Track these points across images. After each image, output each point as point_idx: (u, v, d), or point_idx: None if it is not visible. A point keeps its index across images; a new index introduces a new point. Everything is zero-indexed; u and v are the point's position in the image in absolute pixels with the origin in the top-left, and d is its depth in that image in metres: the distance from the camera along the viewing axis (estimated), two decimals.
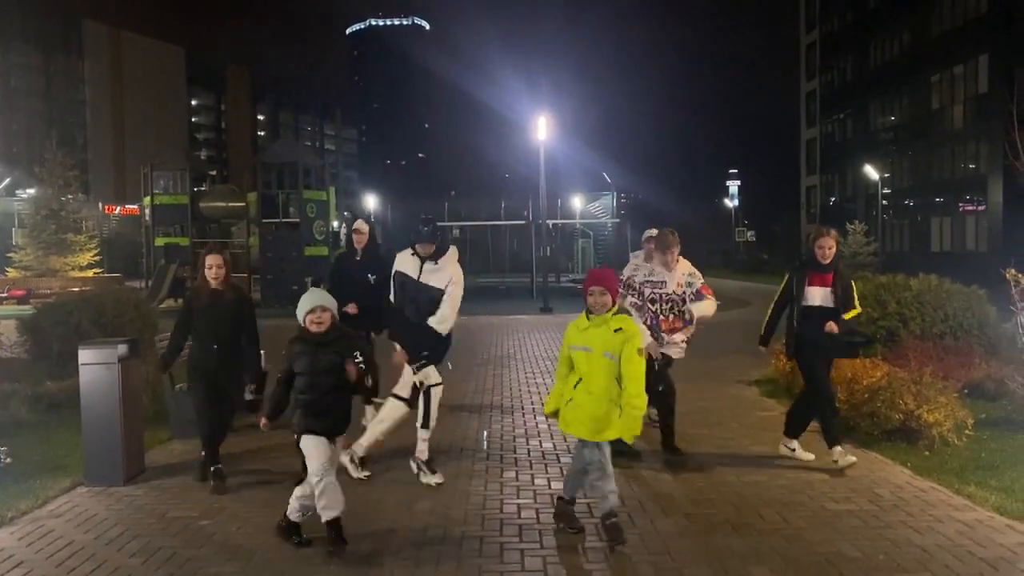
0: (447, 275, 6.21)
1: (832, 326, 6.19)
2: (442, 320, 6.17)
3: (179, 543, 4.95)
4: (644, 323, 6.64)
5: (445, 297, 6.15)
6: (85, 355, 6.20)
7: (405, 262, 6.29)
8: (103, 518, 5.45)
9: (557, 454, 7.01)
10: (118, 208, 77.02)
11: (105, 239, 46.00)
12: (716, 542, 4.82)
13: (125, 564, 4.63)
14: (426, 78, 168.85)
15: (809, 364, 6.45)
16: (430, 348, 6.22)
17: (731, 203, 73.48)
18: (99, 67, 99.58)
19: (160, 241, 27.27)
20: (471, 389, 10.41)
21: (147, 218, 28.43)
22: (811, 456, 6.58)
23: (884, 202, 44.29)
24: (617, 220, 33.83)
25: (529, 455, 6.98)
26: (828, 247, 6.27)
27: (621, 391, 4.65)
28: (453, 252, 6.35)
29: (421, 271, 6.20)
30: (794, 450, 6.65)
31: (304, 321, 4.85)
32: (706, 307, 6.82)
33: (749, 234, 64.68)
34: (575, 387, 4.77)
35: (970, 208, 38.56)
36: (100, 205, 64.87)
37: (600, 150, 75.01)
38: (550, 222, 30.23)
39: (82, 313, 11.28)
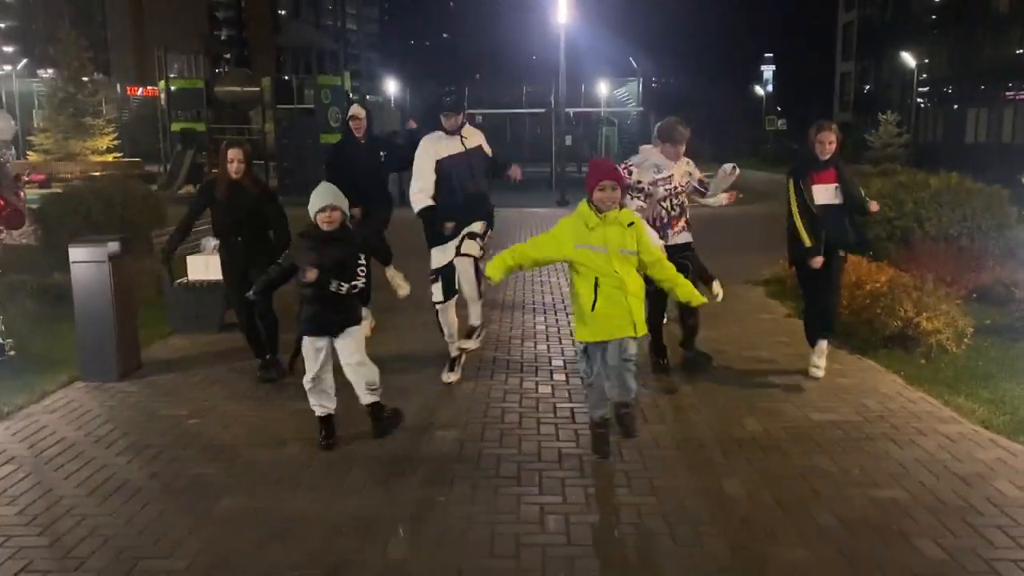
0: (479, 134, 6.31)
1: (817, 261, 6.02)
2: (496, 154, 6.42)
3: (166, 442, 5.06)
4: (653, 225, 6.40)
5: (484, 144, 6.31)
6: (76, 253, 6.21)
7: (441, 146, 6.11)
8: (95, 415, 5.57)
9: (550, 356, 7.02)
10: (140, 89, 76.26)
11: (125, 122, 45.80)
12: (692, 452, 4.84)
13: (111, 462, 4.74)
14: None
15: (808, 271, 6.25)
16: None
17: (762, 90, 71.30)
18: None
19: (176, 126, 27.07)
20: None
21: (163, 102, 28.14)
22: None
23: (921, 90, 42.78)
24: (641, 108, 32.87)
25: (522, 357, 7.00)
26: (829, 142, 5.99)
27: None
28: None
29: (463, 141, 6.14)
30: (816, 367, 6.34)
31: (315, 217, 4.83)
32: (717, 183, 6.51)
33: (780, 123, 62.93)
34: (596, 291, 4.48)
35: (1010, 97, 37.16)
36: (120, 86, 64.19)
37: (626, 33, 72.38)
38: (571, 110, 29.53)
39: (91, 204, 11.33)
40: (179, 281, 7.91)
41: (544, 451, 4.87)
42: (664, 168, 6.40)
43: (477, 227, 6.13)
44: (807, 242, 6.07)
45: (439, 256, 6.19)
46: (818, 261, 6.02)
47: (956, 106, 42.30)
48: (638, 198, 6.30)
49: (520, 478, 4.49)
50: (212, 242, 8.39)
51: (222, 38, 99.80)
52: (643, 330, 4.63)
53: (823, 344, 6.38)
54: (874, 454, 4.77)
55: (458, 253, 6.05)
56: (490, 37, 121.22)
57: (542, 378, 6.38)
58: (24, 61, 45.24)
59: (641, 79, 37.64)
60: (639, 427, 4.80)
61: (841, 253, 6.24)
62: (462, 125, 6.17)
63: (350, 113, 8.20)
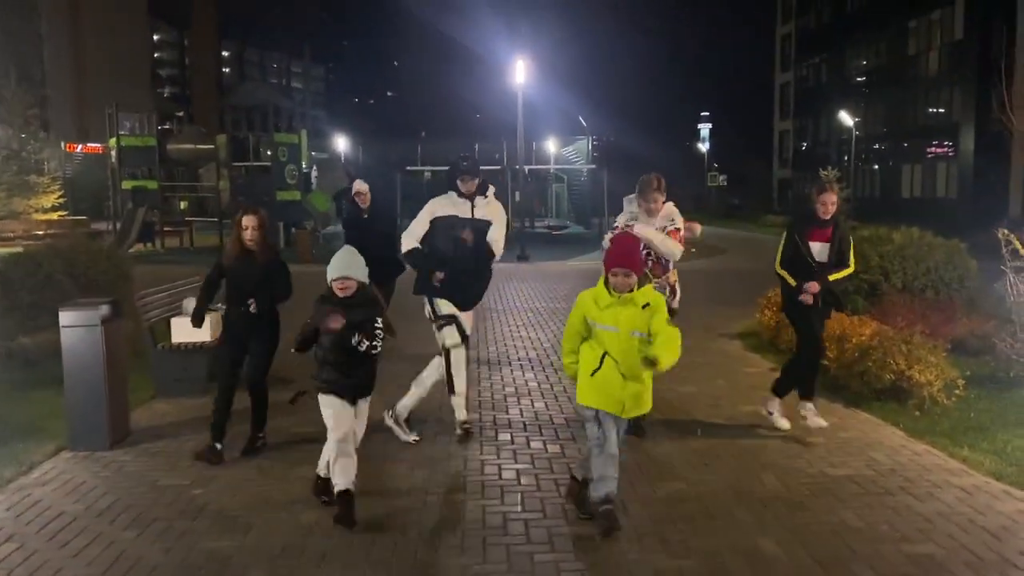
0: (496, 209, 6.16)
1: (813, 286, 6.10)
2: (498, 241, 6.16)
3: (173, 514, 4.84)
4: None
5: (495, 225, 6.12)
6: (67, 317, 5.99)
7: (447, 206, 6.06)
8: (92, 486, 5.32)
9: (550, 415, 6.97)
10: (80, 146, 74.87)
11: (68, 179, 44.83)
12: (718, 510, 4.81)
13: (120, 538, 4.51)
14: (396, 14, 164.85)
15: (804, 318, 6.36)
16: (483, 290, 6.27)
17: (703, 147, 73.22)
18: None
19: (128, 184, 26.59)
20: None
21: (113, 160, 27.66)
22: (787, 424, 6.35)
23: (857, 147, 44.39)
24: (593, 166, 33.44)
25: (522, 416, 6.93)
26: (831, 203, 6.16)
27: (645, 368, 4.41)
28: (491, 187, 6.25)
29: (473, 208, 6.03)
30: (771, 413, 6.44)
31: (330, 283, 4.75)
32: (661, 240, 6.28)
33: (721, 179, 64.60)
34: (602, 361, 4.46)
35: (941, 153, 38.81)
36: (62, 144, 62.96)
37: (575, 93, 74.03)
38: (526, 167, 29.91)
39: (53, 264, 10.97)
40: (162, 345, 7.68)
41: (571, 512, 4.78)
42: (637, 220, 6.41)
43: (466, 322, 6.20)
44: (791, 281, 6.23)
45: (446, 306, 6.14)
46: (813, 286, 6.08)
47: (891, 162, 43.97)
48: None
49: (553, 544, 4.40)
50: (192, 304, 8.20)
51: (165, 95, 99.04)
52: (634, 414, 4.56)
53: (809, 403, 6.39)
54: (896, 508, 4.80)
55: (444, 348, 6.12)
56: (436, 95, 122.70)
57: (549, 437, 6.31)
58: None
59: (591, 137, 38.40)
60: (620, 522, 4.53)
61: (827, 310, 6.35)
62: (478, 192, 6.04)
63: (354, 189, 8.28)
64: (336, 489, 4.66)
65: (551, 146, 42.65)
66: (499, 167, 29.10)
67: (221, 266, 6.00)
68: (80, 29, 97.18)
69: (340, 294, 4.74)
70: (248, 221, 5.78)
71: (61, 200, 30.73)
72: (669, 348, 4.32)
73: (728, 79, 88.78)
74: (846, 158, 44.14)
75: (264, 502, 5.02)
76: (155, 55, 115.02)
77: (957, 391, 6.86)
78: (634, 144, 66.07)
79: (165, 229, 27.92)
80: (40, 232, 30.09)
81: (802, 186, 50.79)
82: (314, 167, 35.44)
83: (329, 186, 34.27)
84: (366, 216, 7.97)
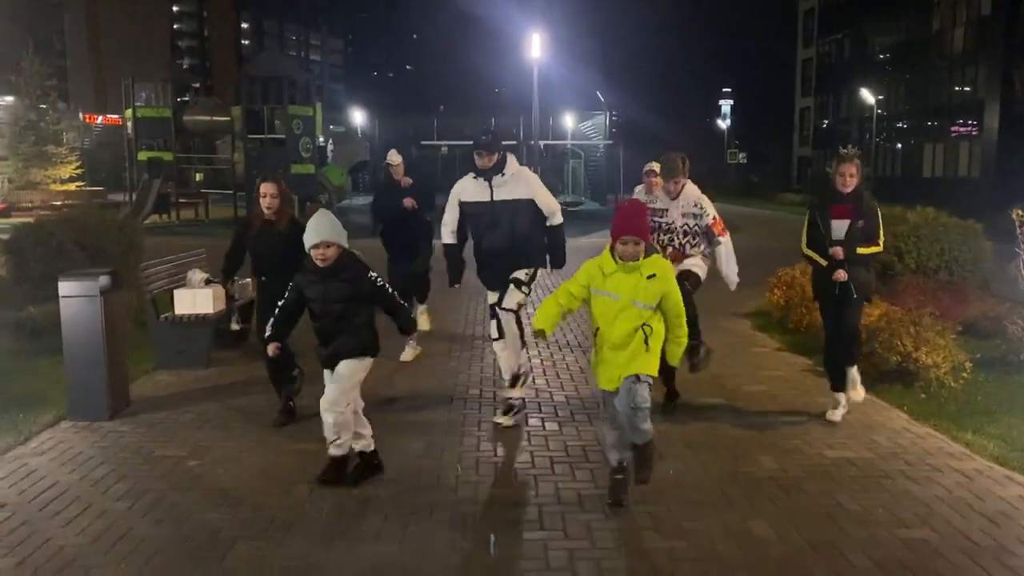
0: (525, 182, 5.85)
1: (837, 251, 5.73)
2: (550, 206, 5.94)
3: (166, 485, 4.85)
4: None
5: (546, 200, 5.91)
6: (66, 287, 5.99)
7: (469, 189, 5.90)
8: (88, 456, 5.34)
9: (550, 391, 6.92)
10: (100, 117, 75.18)
11: (86, 150, 45.06)
12: (714, 492, 4.76)
13: (111, 508, 4.53)
14: None
15: (823, 308, 6.23)
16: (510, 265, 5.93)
17: (723, 124, 72.46)
18: None
19: (143, 155, 26.65)
20: (460, 321, 10.28)
21: (129, 131, 27.73)
22: (860, 396, 6.23)
23: (879, 125, 43.77)
24: (610, 141, 33.16)
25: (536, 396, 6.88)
26: (849, 174, 5.86)
27: (647, 334, 4.33)
28: (514, 159, 5.95)
29: (492, 190, 5.81)
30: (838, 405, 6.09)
31: (310, 252, 4.65)
32: (728, 258, 6.37)
33: (741, 156, 63.98)
34: (596, 339, 4.44)
35: (965, 132, 38.16)
36: (80, 115, 63.24)
37: (593, 68, 73.34)
38: (542, 143, 29.71)
39: (63, 234, 11.00)
40: (164, 316, 7.68)
41: (562, 492, 4.75)
42: (658, 201, 6.38)
43: (520, 274, 5.91)
44: (821, 261, 5.93)
45: (491, 294, 6.10)
46: (841, 275, 5.80)
47: (912, 141, 43.32)
48: None
49: (543, 522, 4.36)
50: (198, 275, 8.21)
51: (184, 67, 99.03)
52: (634, 370, 4.33)
53: (852, 371, 6.14)
54: (894, 492, 4.73)
55: (500, 306, 5.93)
56: (455, 69, 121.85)
57: (548, 415, 6.27)
58: None
59: (608, 112, 38.08)
60: (650, 471, 4.51)
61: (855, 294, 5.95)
62: (496, 167, 5.77)
63: (387, 160, 8.26)
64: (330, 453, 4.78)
65: (569, 121, 42.41)
66: (515, 142, 28.89)
67: (241, 236, 5.95)
68: (97, 1, 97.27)
69: (321, 264, 4.63)
70: (266, 188, 5.73)
71: (78, 171, 30.84)
72: (679, 340, 4.44)
73: (750, 55, 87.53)
74: (867, 136, 43.56)
75: (259, 475, 5.02)
76: (174, 26, 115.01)
77: (964, 374, 6.75)
78: (653, 120, 65.57)
79: (180, 201, 28.02)
80: (57, 203, 30.30)
81: (822, 164, 50.21)
82: (330, 140, 35.41)
83: (344, 159, 34.28)
84: (402, 186, 8.06)
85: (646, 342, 4.33)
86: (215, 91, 59.52)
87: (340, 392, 4.68)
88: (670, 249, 6.30)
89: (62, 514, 4.45)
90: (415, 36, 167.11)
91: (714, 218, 6.32)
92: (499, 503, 4.63)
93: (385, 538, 4.18)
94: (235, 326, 8.65)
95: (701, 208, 6.27)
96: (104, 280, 6.08)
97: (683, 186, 6.29)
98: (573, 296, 4.47)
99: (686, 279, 6.06)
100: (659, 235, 6.32)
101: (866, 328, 7.37)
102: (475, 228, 5.97)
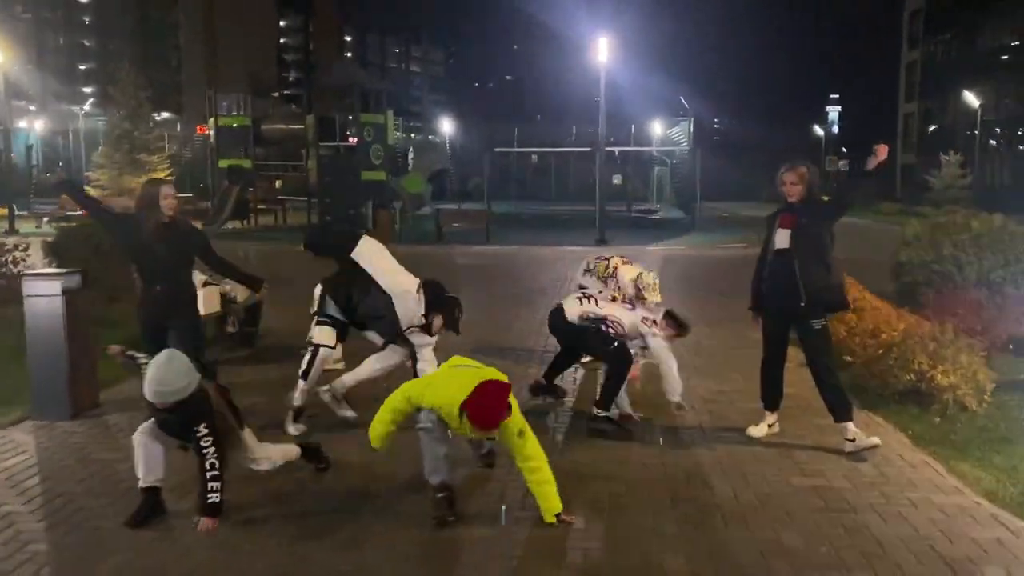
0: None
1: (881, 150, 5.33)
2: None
3: (81, 490, 4.72)
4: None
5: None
6: (28, 286, 6.00)
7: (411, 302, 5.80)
8: (28, 455, 5.30)
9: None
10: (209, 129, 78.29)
11: (188, 160, 47.01)
12: (645, 518, 4.31)
13: (15, 510, 4.43)
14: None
15: (765, 324, 5.70)
16: None
17: (822, 131, 69.82)
18: None
19: (223, 163, 27.50)
20: (486, 331, 9.97)
21: (212, 140, 28.66)
22: (875, 440, 5.24)
23: (987, 131, 41.31)
24: (687, 147, 32.29)
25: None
26: (790, 182, 5.42)
27: None
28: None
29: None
30: (852, 439, 5.25)
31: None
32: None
33: (841, 164, 61.45)
34: None
35: None
36: (194, 126, 66.10)
37: (684, 73, 72.04)
38: (615, 149, 29.16)
39: (101, 235, 11.31)
40: None
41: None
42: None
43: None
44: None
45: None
46: (757, 323, 5.66)
47: (1022, 148, 40.73)
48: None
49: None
50: (197, 277, 8.19)
51: (290, 79, 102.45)
52: None
53: (847, 425, 5.34)
54: (852, 528, 4.18)
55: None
56: (551, 79, 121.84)
57: None
58: (92, 100, 46.94)
59: (692, 118, 37.11)
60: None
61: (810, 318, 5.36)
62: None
63: None
64: None
65: (656, 128, 41.64)
66: (588, 148, 28.46)
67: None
68: (213, 18, 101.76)
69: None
70: (168, 191, 5.53)
71: (169, 178, 32.06)
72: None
73: (852, 60, 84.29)
74: (973, 142, 41.16)
75: (180, 484, 4.83)
76: (281, 40, 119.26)
77: (987, 397, 6.04)
78: (750, 127, 63.83)
79: (259, 207, 28.77)
80: None
81: (924, 172, 47.78)
82: (411, 149, 35.80)
83: (424, 167, 34.59)
84: None
85: None
86: (318, 101, 61.15)
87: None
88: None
89: None
90: (515, 47, 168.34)
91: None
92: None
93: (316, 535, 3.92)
94: (231, 329, 8.64)
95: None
96: (70, 280, 6.07)
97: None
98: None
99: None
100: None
101: (883, 343, 6.74)
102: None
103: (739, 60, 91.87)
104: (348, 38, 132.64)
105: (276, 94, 30.24)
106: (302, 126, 27.12)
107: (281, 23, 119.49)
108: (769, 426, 5.75)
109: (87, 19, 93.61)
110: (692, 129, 36.74)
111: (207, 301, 7.68)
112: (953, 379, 6.06)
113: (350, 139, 25.58)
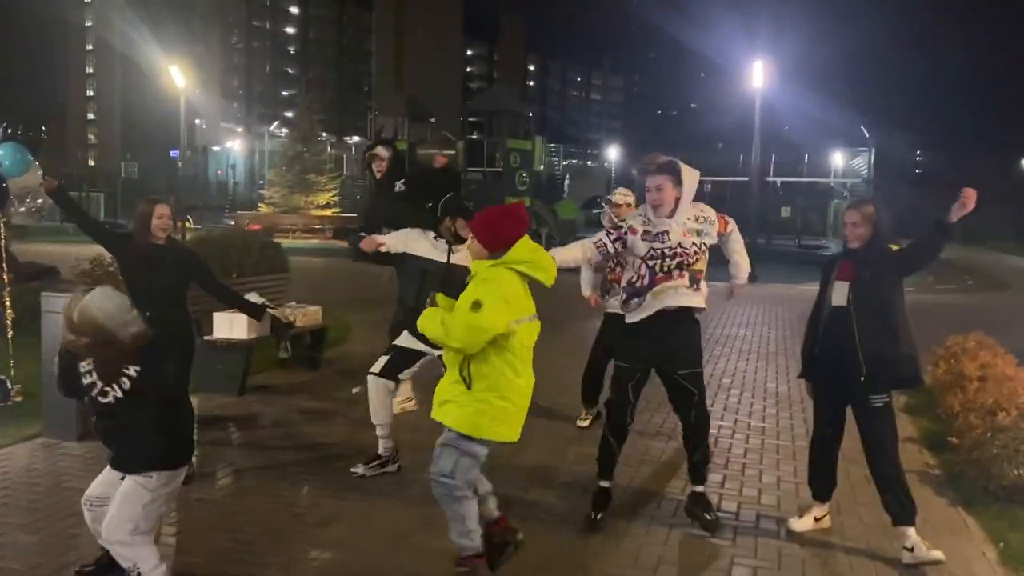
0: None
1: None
2: None
3: (39, 517, 4.53)
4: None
5: None
6: (47, 303, 5.96)
7: (426, 246, 5.28)
8: (17, 475, 5.21)
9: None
10: None
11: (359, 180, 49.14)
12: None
13: None
14: (702, 26, 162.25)
15: (817, 397, 4.68)
16: None
17: None
18: (385, 17, 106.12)
19: None
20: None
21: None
22: (938, 555, 4.25)
23: None
24: (862, 179, 30.02)
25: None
26: (851, 223, 4.40)
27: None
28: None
29: (451, 253, 5.22)
30: (911, 548, 4.26)
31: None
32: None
33: None
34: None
35: None
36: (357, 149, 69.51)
37: (862, 101, 67.52)
38: (778, 179, 27.53)
39: (207, 252, 11.57)
40: (205, 337, 7.57)
41: None
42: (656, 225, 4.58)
43: None
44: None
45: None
46: (808, 388, 4.73)
47: None
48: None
49: None
50: (254, 298, 8.04)
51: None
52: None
53: (907, 530, 4.31)
54: None
55: None
56: (732, 107, 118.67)
57: None
58: (276, 123, 50.18)
59: (872, 148, 34.61)
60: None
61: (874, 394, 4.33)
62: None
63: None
64: None
65: (838, 159, 39.29)
66: (745, 178, 27.04)
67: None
68: (403, 46, 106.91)
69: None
70: (162, 210, 5.21)
71: (335, 198, 33.51)
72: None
73: None
74: None
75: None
76: (467, 69, 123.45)
77: None
78: (952, 159, 59.02)
79: None
80: (317, 225, 33.08)
81: None
82: (567, 175, 35.55)
83: (580, 194, 34.24)
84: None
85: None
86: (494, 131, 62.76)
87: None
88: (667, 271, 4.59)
89: None
90: (702, 75, 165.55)
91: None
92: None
93: None
94: (283, 354, 8.44)
95: (705, 222, 4.63)
96: None
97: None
98: None
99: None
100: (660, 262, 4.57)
101: (997, 426, 5.46)
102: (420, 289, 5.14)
103: (938, 91, 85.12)
104: (532, 67, 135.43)
105: (433, 119, 30.56)
106: (452, 151, 27.50)
107: (467, 52, 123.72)
108: (816, 519, 4.73)
109: (292, 48, 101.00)
110: (873, 160, 34.31)
111: (254, 325, 7.48)
112: None
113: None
